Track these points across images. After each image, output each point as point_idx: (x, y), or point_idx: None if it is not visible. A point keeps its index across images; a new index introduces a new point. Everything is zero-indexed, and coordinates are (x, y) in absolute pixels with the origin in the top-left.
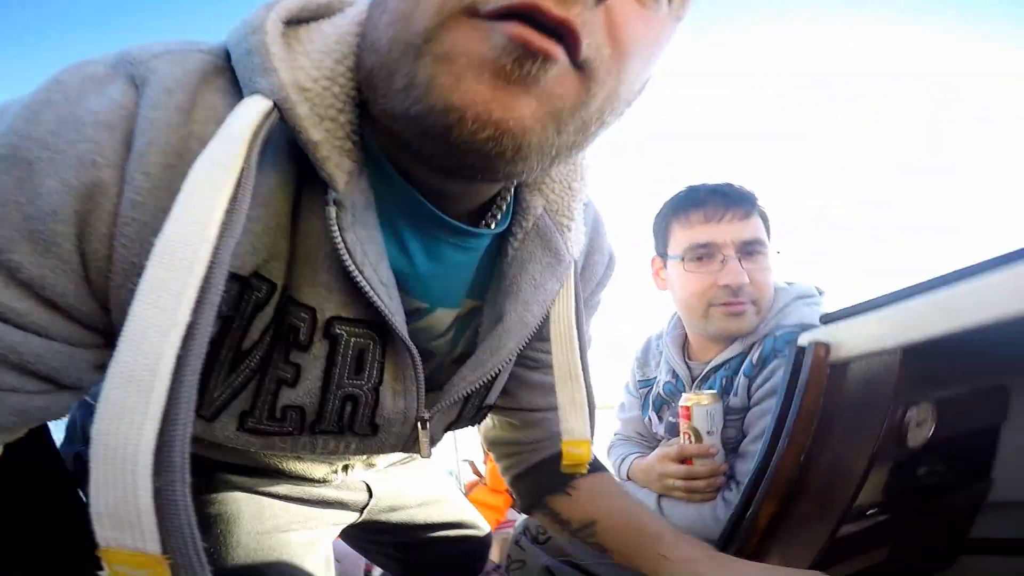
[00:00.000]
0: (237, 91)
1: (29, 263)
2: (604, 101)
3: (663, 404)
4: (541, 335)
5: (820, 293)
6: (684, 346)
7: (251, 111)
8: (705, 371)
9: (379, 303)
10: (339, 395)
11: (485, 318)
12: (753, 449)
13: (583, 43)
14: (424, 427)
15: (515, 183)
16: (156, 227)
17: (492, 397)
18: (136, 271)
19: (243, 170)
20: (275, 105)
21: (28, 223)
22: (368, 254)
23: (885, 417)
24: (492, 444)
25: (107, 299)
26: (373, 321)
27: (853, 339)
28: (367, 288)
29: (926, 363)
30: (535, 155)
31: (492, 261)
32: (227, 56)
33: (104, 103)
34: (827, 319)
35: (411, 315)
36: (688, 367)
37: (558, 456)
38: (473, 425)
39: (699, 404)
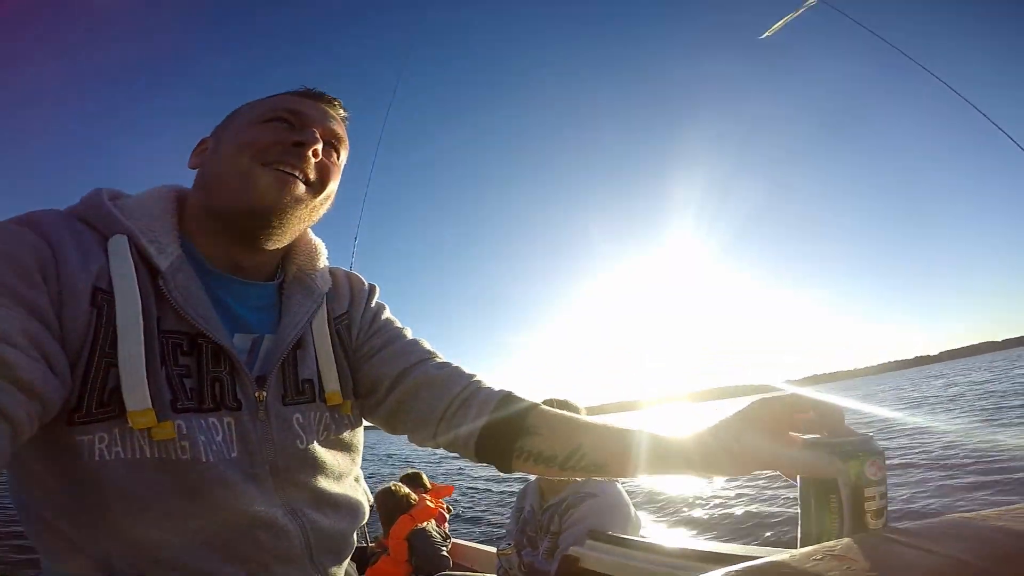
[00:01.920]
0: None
1: None
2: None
3: (525, 521)
4: (351, 337)
5: None
6: (541, 493)
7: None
8: (545, 507)
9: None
10: (208, 379)
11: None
12: (560, 556)
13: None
14: (263, 386)
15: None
16: None
17: (302, 372)
18: None
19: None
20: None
21: None
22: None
23: None
24: (448, 440)
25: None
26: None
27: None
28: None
29: None
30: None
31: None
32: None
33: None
34: (592, 536)
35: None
36: (541, 503)
37: (498, 413)
38: (311, 400)
39: (504, 555)
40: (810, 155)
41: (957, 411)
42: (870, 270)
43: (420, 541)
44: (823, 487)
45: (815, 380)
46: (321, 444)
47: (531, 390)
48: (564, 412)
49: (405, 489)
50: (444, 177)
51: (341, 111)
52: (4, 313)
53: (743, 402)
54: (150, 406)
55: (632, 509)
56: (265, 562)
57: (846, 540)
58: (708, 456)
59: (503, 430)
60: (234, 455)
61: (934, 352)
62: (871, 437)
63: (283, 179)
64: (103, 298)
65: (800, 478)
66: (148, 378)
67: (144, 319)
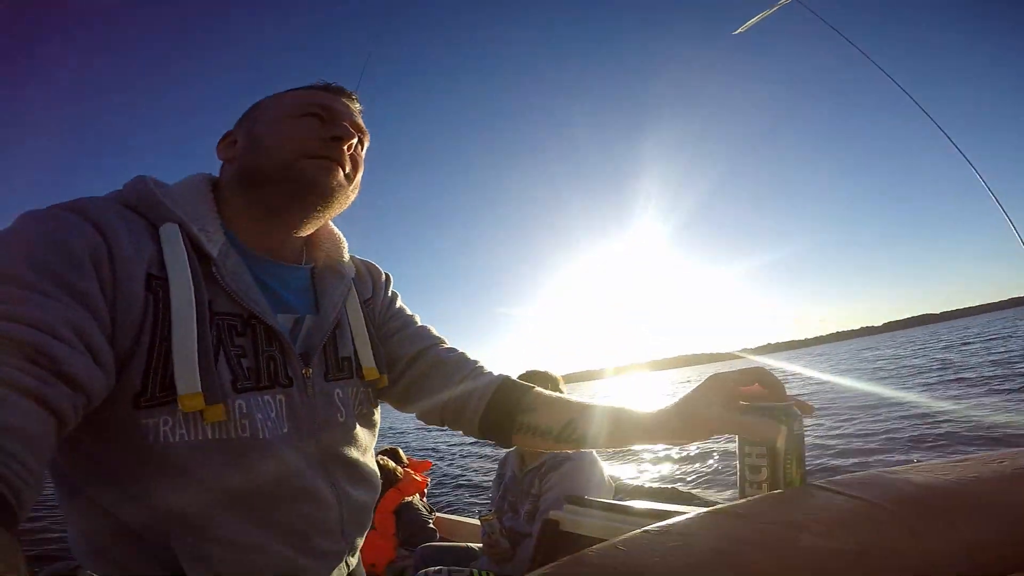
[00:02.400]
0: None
1: None
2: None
3: (506, 487)
4: (374, 319)
5: None
6: (521, 458)
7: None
8: (526, 471)
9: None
10: (263, 357)
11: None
12: (541, 517)
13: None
14: (308, 364)
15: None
16: None
17: (341, 350)
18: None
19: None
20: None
21: None
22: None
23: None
24: (454, 415)
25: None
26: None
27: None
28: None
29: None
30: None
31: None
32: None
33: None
34: (569, 501)
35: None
36: (522, 467)
37: (500, 392)
38: (350, 376)
39: (486, 520)
40: (766, 145)
41: (874, 382)
42: (820, 250)
43: (408, 514)
44: (753, 446)
45: (770, 348)
46: (355, 418)
47: (508, 363)
48: (555, 393)
49: (392, 463)
50: (420, 157)
51: (358, 104)
52: (50, 304)
53: (702, 369)
54: (199, 390)
55: (605, 473)
56: (307, 534)
57: (785, 490)
58: (670, 427)
59: (505, 407)
60: (285, 430)
61: (878, 323)
62: (791, 405)
63: (328, 167)
64: (157, 283)
65: (737, 439)
66: (202, 361)
67: (197, 304)
